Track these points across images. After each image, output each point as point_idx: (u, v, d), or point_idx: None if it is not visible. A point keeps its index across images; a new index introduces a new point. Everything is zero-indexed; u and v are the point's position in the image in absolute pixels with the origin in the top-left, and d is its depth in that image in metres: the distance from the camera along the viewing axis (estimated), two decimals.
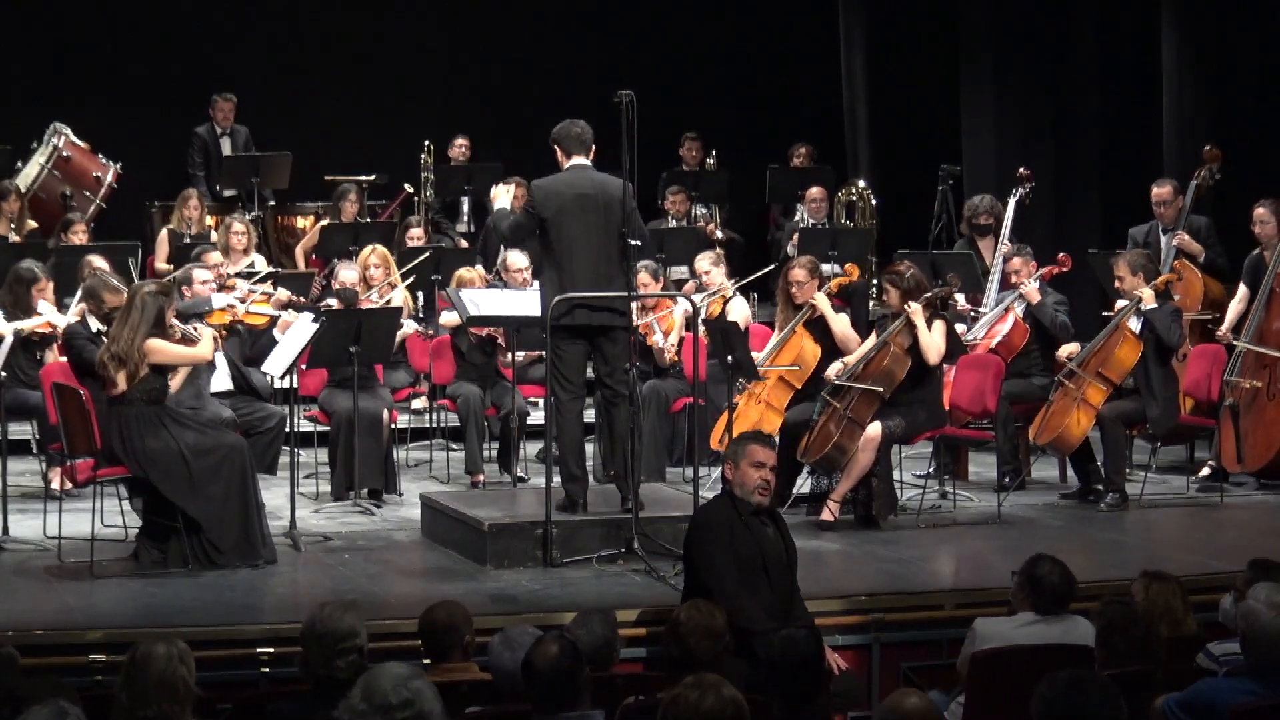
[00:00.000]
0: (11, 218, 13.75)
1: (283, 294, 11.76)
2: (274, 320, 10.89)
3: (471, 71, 16.93)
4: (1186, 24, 13.49)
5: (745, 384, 10.50)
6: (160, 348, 9.00)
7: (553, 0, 17.20)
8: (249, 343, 10.90)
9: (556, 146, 9.29)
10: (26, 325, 10.62)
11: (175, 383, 9.28)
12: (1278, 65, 13.02)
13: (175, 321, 9.35)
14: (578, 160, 9.23)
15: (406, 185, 15.43)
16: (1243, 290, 11.35)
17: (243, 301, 11.07)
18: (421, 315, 12.23)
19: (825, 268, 11.56)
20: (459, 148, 15.76)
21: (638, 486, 9.07)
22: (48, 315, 10.79)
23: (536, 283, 9.98)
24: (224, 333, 10.29)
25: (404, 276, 12.38)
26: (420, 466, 11.98)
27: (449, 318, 11.71)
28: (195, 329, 9.57)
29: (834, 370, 10.37)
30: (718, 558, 7.49)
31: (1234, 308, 11.38)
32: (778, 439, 10.52)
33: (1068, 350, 10.91)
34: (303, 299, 11.98)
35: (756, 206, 16.31)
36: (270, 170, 14.99)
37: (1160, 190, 11.97)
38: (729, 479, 7.73)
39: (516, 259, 11.76)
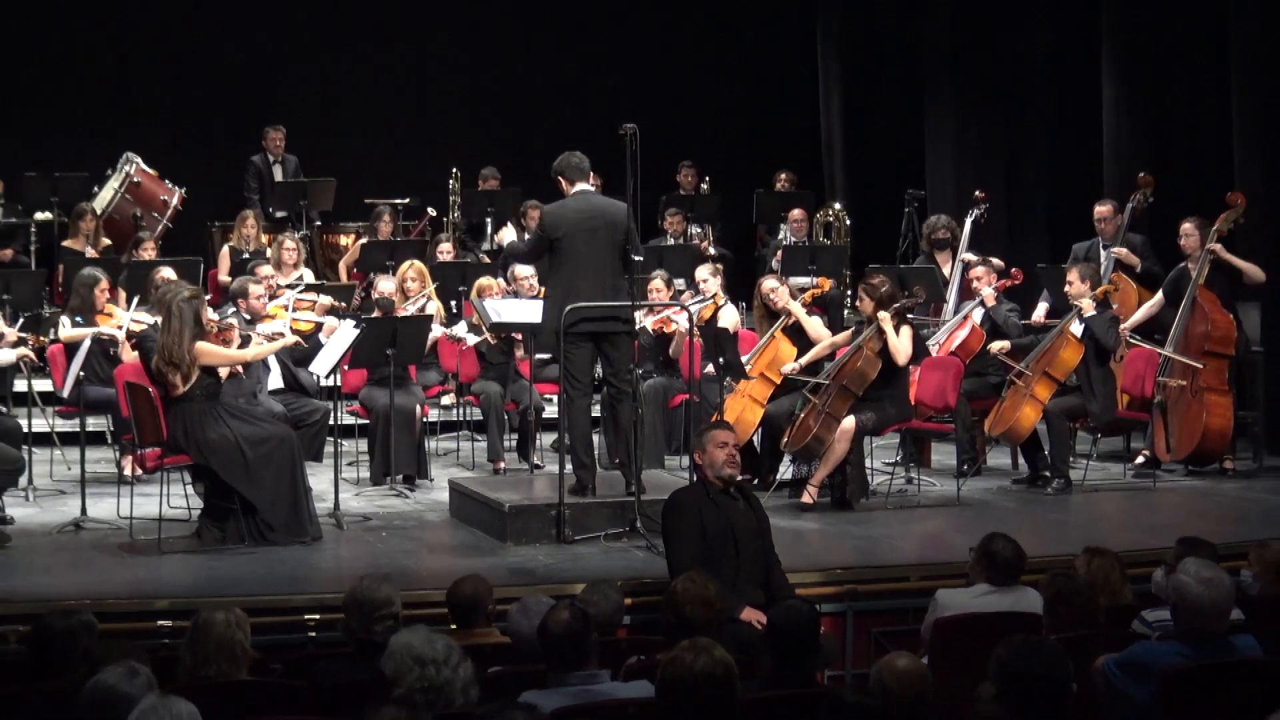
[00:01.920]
0: (88, 236, 13.78)
1: (325, 300, 11.81)
2: (319, 326, 10.91)
3: (494, 107, 16.94)
4: (1124, 65, 13.50)
5: (732, 384, 10.52)
6: (208, 351, 9.01)
7: (565, 44, 17.20)
8: (300, 350, 10.89)
9: (560, 176, 9.30)
10: (102, 331, 10.64)
11: (223, 373, 9.31)
12: (1204, 102, 13.02)
13: (213, 317, 9.37)
14: (581, 186, 9.25)
15: (430, 209, 15.44)
16: (1158, 297, 11.35)
17: (286, 309, 11.09)
18: (446, 323, 12.20)
19: (803, 280, 11.57)
20: (490, 182, 15.72)
21: (640, 473, 9.08)
22: (118, 317, 10.83)
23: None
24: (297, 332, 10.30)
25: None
26: (448, 455, 11.98)
27: (458, 329, 11.72)
28: (255, 335, 9.63)
29: (789, 368, 10.41)
30: (680, 536, 7.50)
31: (1144, 310, 11.38)
32: (761, 430, 10.62)
33: (997, 346, 10.94)
34: (344, 304, 11.99)
35: (745, 226, 16.31)
36: (317, 194, 14.98)
37: (1102, 209, 11.99)
38: (700, 464, 7.73)
39: (522, 269, 11.79)
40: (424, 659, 5.02)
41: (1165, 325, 11.27)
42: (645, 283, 11.20)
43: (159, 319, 9.93)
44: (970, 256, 11.92)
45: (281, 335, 10.14)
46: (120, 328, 10.73)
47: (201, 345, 8.97)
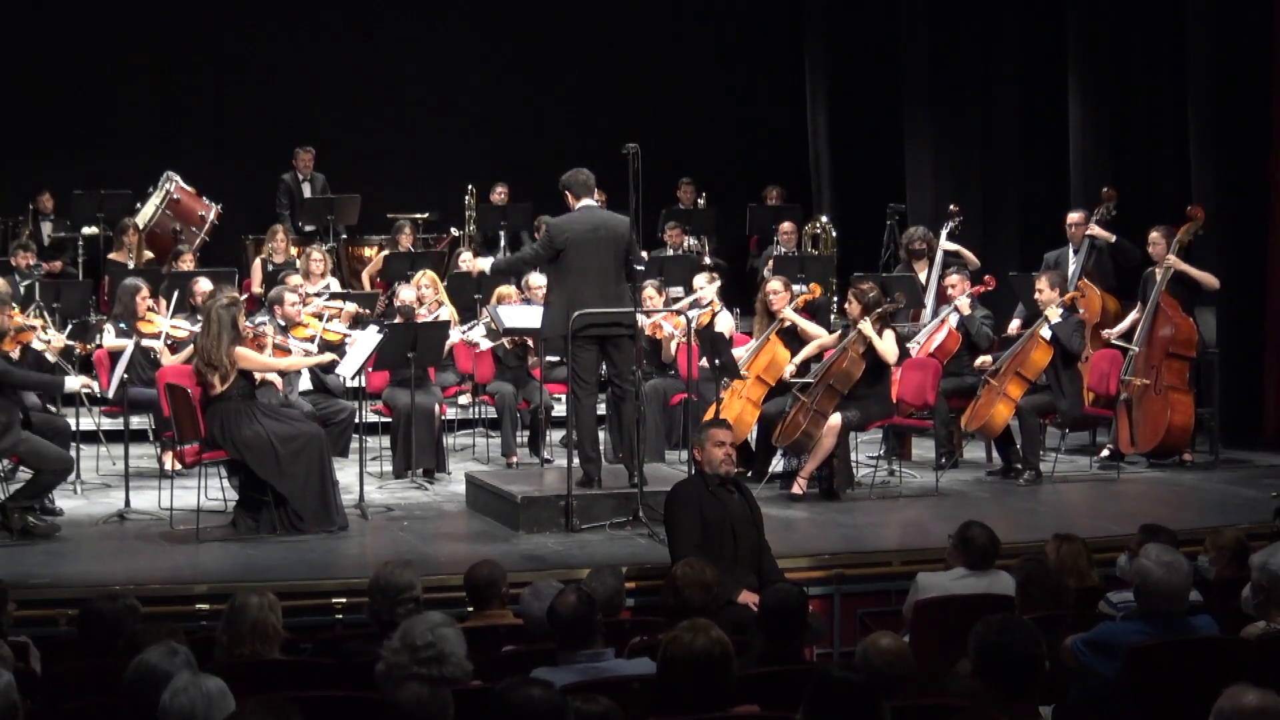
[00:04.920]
0: (132, 249, 13.77)
1: (351, 307, 11.80)
2: (346, 338, 10.90)
3: (507, 129, 16.92)
4: (1089, 89, 13.50)
5: (729, 382, 10.51)
6: (246, 356, 9.02)
7: (572, 69, 17.20)
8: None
9: (567, 191, 9.29)
10: (142, 342, 10.62)
11: (259, 378, 9.30)
12: (1163, 123, 13.03)
13: (248, 324, 9.37)
14: (586, 201, 9.24)
15: (453, 229, 15.43)
16: (1131, 317, 11.36)
17: (320, 318, 11.08)
18: (466, 328, 12.17)
19: (797, 288, 11.55)
20: (499, 194, 15.74)
21: (642, 466, 9.07)
22: (157, 324, 10.80)
23: None
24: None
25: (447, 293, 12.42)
26: (465, 450, 11.97)
27: (475, 334, 11.72)
28: (286, 342, 9.64)
29: (789, 370, 10.40)
30: (681, 523, 7.50)
31: (1130, 318, 11.37)
32: (756, 427, 10.61)
33: (982, 359, 10.97)
34: (368, 311, 11.97)
35: (739, 238, 16.29)
36: (343, 209, 14.97)
37: (1074, 216, 12.00)
38: (699, 459, 7.74)
39: (536, 279, 11.76)
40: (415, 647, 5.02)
41: (1130, 326, 11.31)
42: (639, 290, 11.18)
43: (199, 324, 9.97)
44: (953, 262, 11.94)
45: (313, 353, 10.15)
46: (159, 334, 10.73)
47: (240, 350, 8.99)
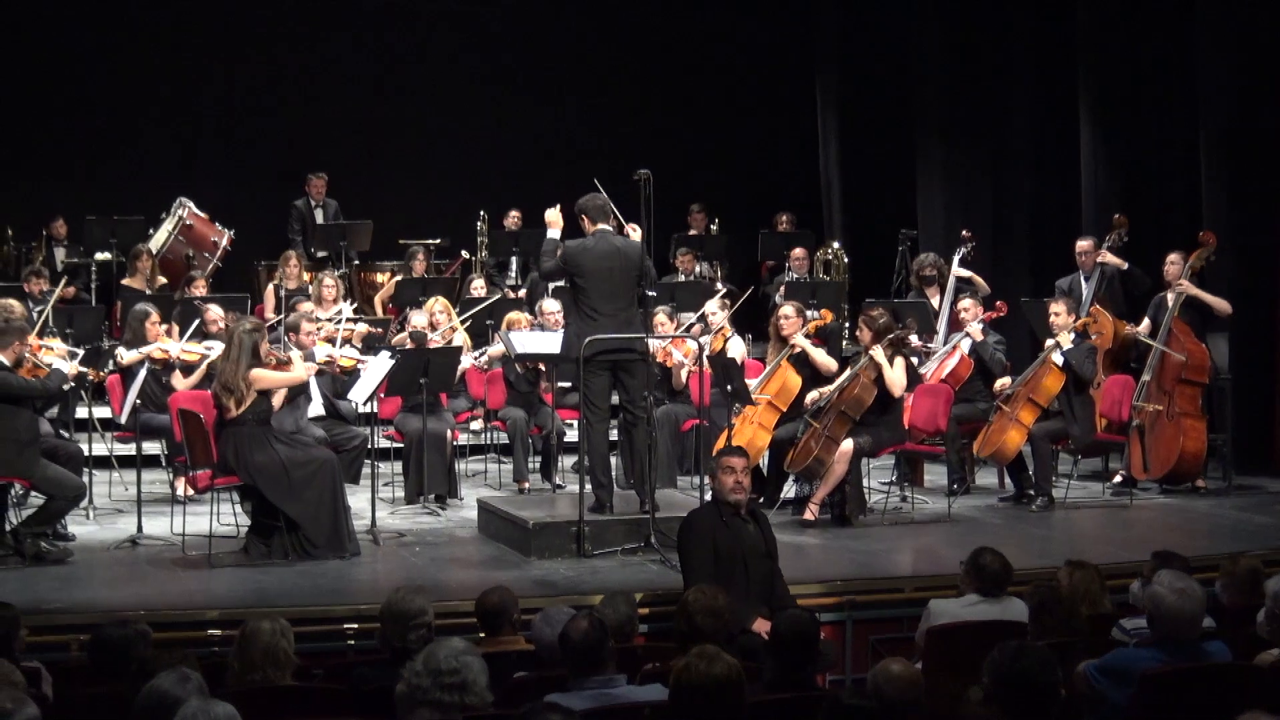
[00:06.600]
0: (145, 275, 13.80)
1: (361, 328, 11.82)
2: (359, 364, 10.92)
3: (518, 153, 16.95)
4: (1100, 114, 13.50)
5: (740, 408, 10.49)
6: (262, 375, 9.03)
7: (585, 95, 17.23)
8: (339, 381, 10.88)
9: (583, 215, 9.31)
10: (158, 347, 10.61)
11: (276, 401, 9.30)
12: (1174, 150, 13.02)
13: (272, 350, 9.38)
14: (601, 227, 9.26)
15: (464, 252, 15.46)
16: (1146, 322, 11.36)
17: (332, 342, 11.09)
18: (477, 354, 12.18)
19: (808, 313, 11.55)
20: (512, 219, 15.78)
21: (654, 492, 9.07)
22: (170, 349, 10.79)
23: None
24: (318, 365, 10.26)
25: (463, 319, 12.43)
26: (477, 476, 11.98)
27: (493, 350, 11.75)
28: (291, 357, 9.64)
29: (810, 397, 10.39)
30: (693, 554, 7.50)
31: (1146, 322, 11.37)
32: (768, 452, 10.59)
33: (1001, 383, 10.96)
34: (380, 331, 12.00)
35: (751, 263, 16.30)
36: (355, 235, 15.01)
37: (1083, 244, 12.00)
38: (714, 487, 7.75)
39: (550, 304, 11.80)
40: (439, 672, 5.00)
41: (1143, 353, 11.29)
42: (651, 316, 11.20)
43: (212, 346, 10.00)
44: (965, 288, 11.94)
45: (330, 361, 10.19)
46: (171, 359, 10.72)
47: (255, 371, 8.99)
